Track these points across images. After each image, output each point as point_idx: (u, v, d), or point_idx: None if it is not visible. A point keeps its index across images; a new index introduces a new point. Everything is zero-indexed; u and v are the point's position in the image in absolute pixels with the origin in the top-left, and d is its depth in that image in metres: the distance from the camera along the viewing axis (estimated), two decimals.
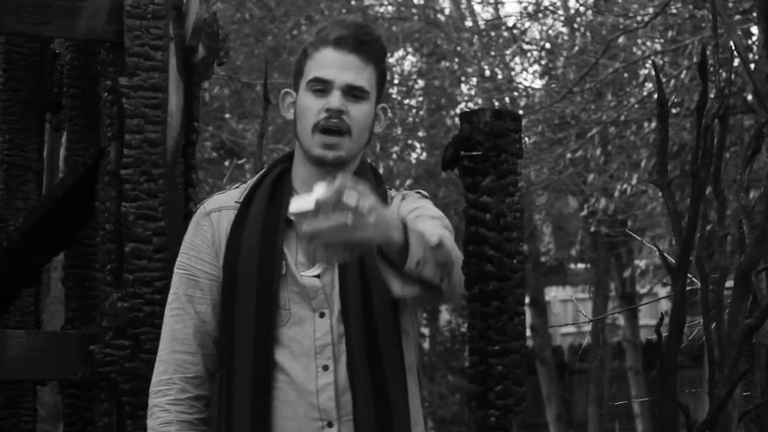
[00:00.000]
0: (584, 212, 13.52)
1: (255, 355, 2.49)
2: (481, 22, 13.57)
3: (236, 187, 2.67)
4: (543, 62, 12.89)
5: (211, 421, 2.60)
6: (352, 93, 2.54)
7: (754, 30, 8.84)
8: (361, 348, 2.50)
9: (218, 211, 2.61)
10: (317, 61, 2.56)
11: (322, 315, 2.52)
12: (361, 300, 2.52)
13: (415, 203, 2.61)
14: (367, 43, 2.56)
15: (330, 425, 2.48)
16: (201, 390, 2.58)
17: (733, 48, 3.18)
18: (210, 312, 2.57)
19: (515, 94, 12.23)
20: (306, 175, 2.59)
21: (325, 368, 2.49)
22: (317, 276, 2.54)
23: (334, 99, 2.53)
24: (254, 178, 2.64)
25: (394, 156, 14.91)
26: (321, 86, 2.54)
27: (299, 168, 2.61)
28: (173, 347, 2.58)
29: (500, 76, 12.55)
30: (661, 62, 10.00)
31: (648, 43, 10.84)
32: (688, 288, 2.29)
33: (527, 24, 12.59)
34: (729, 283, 2.40)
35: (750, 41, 8.90)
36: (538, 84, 13.18)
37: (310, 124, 2.54)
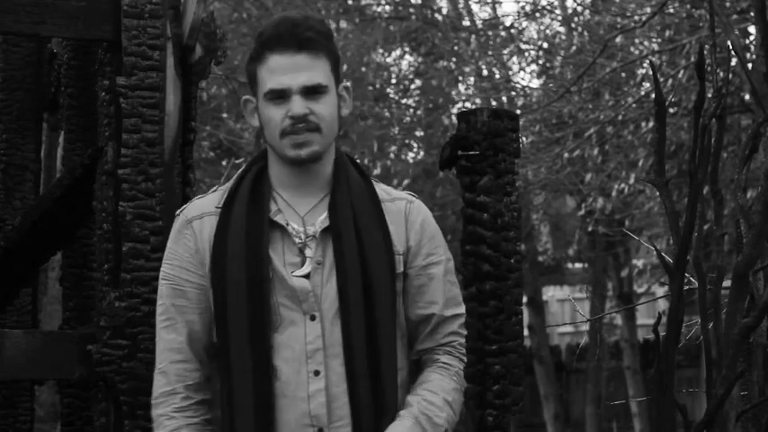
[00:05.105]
0: (582, 212, 13.52)
1: (254, 368, 2.46)
2: (478, 22, 13.57)
3: (214, 191, 2.64)
4: (541, 62, 12.89)
5: (216, 421, 2.59)
6: (312, 92, 2.52)
7: (752, 29, 8.84)
8: (362, 355, 2.49)
9: (199, 218, 2.58)
10: (267, 70, 2.52)
11: (313, 318, 2.50)
12: (364, 307, 2.50)
13: (428, 246, 2.63)
14: (310, 38, 2.53)
15: (321, 431, 2.47)
16: (202, 394, 2.57)
17: (730, 47, 3.18)
18: (198, 321, 2.56)
19: (513, 93, 12.23)
20: (282, 174, 2.57)
21: (317, 373, 2.47)
22: (307, 277, 2.52)
23: (296, 105, 2.49)
24: (232, 181, 2.61)
25: (391, 155, 14.91)
26: (279, 95, 2.52)
27: (274, 168, 2.59)
28: (171, 358, 2.57)
29: (497, 76, 12.56)
30: (658, 62, 10.00)
31: (646, 43, 10.84)
32: (685, 287, 2.29)
33: (524, 24, 12.59)
34: (727, 283, 2.40)
35: (747, 41, 8.90)
36: (535, 83, 13.19)
37: (277, 132, 2.52)
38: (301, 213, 2.55)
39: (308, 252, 2.52)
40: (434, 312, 2.62)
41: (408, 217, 2.61)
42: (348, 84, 2.65)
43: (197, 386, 2.56)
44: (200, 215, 2.58)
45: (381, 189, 2.63)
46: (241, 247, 2.50)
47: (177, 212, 2.65)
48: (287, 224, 2.53)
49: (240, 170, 2.64)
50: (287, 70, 2.50)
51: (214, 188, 2.66)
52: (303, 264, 2.52)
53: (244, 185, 2.58)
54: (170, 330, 2.56)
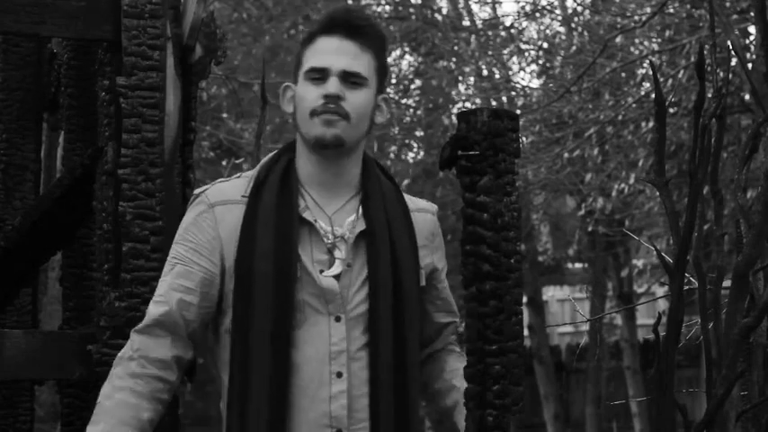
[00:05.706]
0: (582, 212, 13.52)
1: (273, 363, 2.43)
2: (479, 22, 13.57)
3: (238, 177, 2.61)
4: (541, 62, 12.89)
5: (166, 403, 2.54)
6: (350, 79, 2.51)
7: (752, 29, 8.84)
8: (387, 362, 2.48)
9: (223, 205, 2.54)
10: (313, 50, 2.53)
11: (338, 319, 2.48)
12: (392, 313, 2.50)
13: (444, 259, 2.72)
14: (363, 28, 2.53)
15: None
16: (163, 372, 2.51)
17: (730, 47, 3.18)
18: (195, 305, 2.52)
19: (513, 93, 12.23)
20: (309, 165, 2.55)
21: (339, 375, 2.46)
22: (336, 277, 2.50)
23: (332, 85, 2.49)
24: (257, 169, 2.58)
25: (391, 155, 14.91)
26: (318, 75, 2.51)
27: (302, 160, 2.56)
28: (142, 330, 2.54)
29: (497, 76, 12.55)
30: (658, 62, 10.00)
31: (646, 43, 10.84)
32: (685, 287, 2.29)
33: (524, 24, 12.59)
34: (727, 283, 2.40)
35: (747, 41, 8.90)
36: (535, 83, 13.18)
37: (308, 111, 2.51)
38: (329, 213, 2.54)
39: (337, 253, 2.51)
40: (455, 320, 2.75)
41: (434, 230, 2.65)
42: (388, 97, 2.65)
43: (159, 363, 2.50)
44: (223, 201, 2.54)
45: (405, 197, 2.65)
46: (270, 241, 2.47)
47: (197, 191, 2.59)
48: (315, 221, 2.51)
49: (267, 158, 2.60)
50: (331, 52, 2.51)
51: (238, 174, 2.63)
52: (331, 264, 2.51)
53: (272, 177, 2.54)
54: (157, 307, 2.54)
